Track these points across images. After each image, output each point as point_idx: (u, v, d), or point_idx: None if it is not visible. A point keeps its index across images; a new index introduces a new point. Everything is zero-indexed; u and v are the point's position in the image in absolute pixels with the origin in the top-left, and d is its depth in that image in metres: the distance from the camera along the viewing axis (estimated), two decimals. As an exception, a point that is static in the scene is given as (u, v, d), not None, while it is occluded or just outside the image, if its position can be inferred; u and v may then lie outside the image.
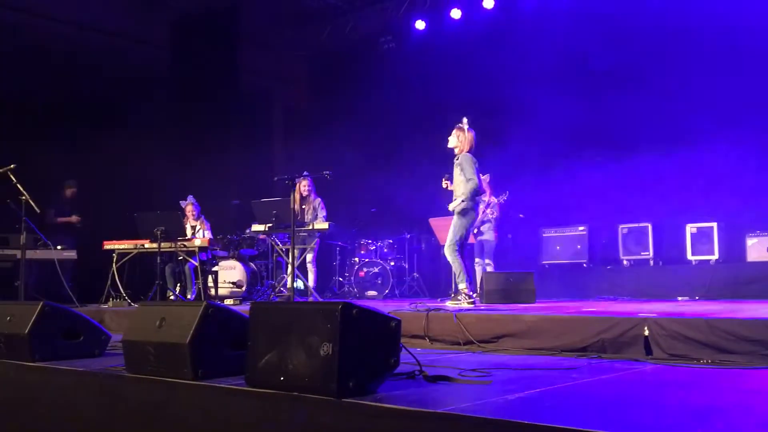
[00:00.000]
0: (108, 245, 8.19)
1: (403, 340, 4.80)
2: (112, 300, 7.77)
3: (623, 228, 8.93)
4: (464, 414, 2.39)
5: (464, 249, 6.44)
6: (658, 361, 3.73)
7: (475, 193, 6.31)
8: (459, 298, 6.12)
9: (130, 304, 7.62)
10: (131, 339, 3.48)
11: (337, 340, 2.71)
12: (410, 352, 3.24)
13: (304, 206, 8.34)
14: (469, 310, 5.51)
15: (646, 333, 3.93)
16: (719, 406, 2.50)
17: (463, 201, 6.24)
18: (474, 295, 6.40)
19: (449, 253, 6.30)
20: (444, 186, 6.57)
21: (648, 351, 3.92)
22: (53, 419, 3.57)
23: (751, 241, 8.00)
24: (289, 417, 2.76)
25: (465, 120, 6.53)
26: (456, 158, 6.43)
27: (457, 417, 2.39)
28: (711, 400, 2.65)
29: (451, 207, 6.36)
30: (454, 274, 6.35)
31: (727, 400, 2.64)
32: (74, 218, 9.12)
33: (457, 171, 6.35)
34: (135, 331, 3.50)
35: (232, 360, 3.25)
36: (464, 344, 4.63)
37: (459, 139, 6.42)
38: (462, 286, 6.22)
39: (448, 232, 6.38)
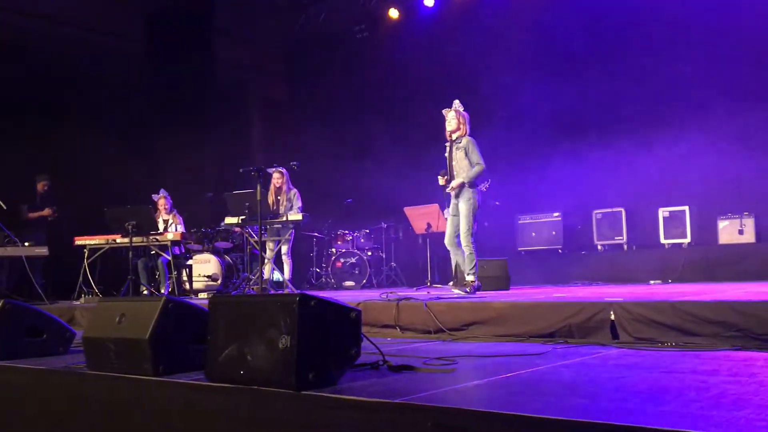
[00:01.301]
0: (79, 241, 8.10)
1: (374, 329, 4.86)
2: (84, 296, 7.69)
3: (597, 213, 8.98)
4: (424, 403, 2.38)
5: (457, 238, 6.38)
6: (623, 345, 3.74)
7: (482, 177, 6.31)
8: (466, 288, 6.08)
9: (101, 300, 7.52)
10: (91, 336, 3.43)
11: (296, 333, 2.69)
12: (373, 342, 3.22)
13: (279, 197, 8.29)
14: (438, 298, 5.50)
15: (612, 317, 3.95)
16: (676, 387, 2.51)
17: (463, 181, 6.18)
18: (449, 285, 6.40)
19: (466, 242, 6.17)
20: (442, 183, 6.42)
21: (614, 335, 3.93)
22: (14, 418, 3.52)
23: (722, 224, 8.08)
24: (249, 411, 2.74)
25: (457, 102, 6.48)
26: (457, 141, 6.33)
27: (416, 406, 2.37)
28: (669, 381, 2.66)
29: (453, 184, 6.24)
30: (462, 264, 6.30)
31: (685, 381, 2.65)
32: (47, 211, 9.00)
33: (460, 154, 6.27)
34: (95, 328, 3.46)
35: (194, 355, 3.22)
36: (435, 333, 4.62)
37: (460, 121, 6.36)
38: (471, 278, 6.18)
39: (460, 221, 6.23)
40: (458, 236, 6.30)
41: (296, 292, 7.44)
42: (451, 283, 7.04)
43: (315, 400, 2.58)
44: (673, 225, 8.37)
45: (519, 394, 2.58)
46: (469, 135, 6.37)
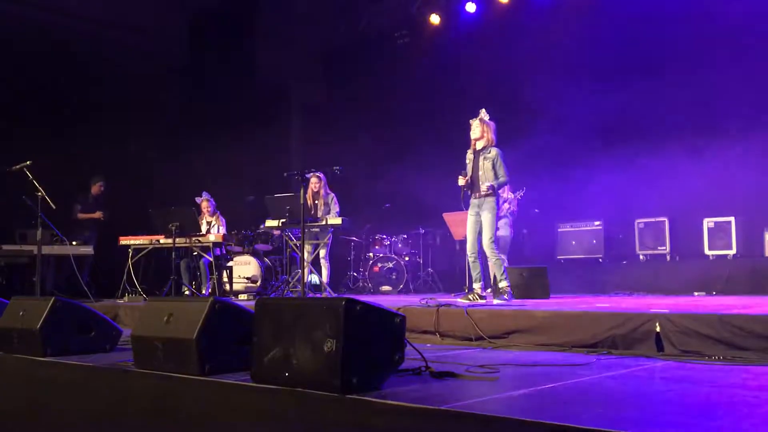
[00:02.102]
0: (124, 241, 8.27)
1: (413, 335, 4.86)
2: (128, 295, 7.84)
3: (639, 223, 8.84)
4: (467, 411, 2.37)
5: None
6: (669, 358, 3.68)
7: (501, 188, 6.37)
8: (471, 297, 6.10)
9: (145, 300, 7.68)
10: (140, 334, 3.50)
11: (341, 336, 2.71)
12: (416, 348, 3.22)
13: (316, 202, 8.36)
14: (480, 305, 5.48)
15: (658, 329, 3.89)
16: (726, 402, 2.46)
17: (493, 194, 6.23)
18: (487, 292, 6.38)
19: (490, 250, 6.22)
20: (461, 183, 6.45)
21: (659, 347, 3.87)
22: (63, 413, 3.60)
23: (769, 236, 7.88)
24: (294, 413, 2.76)
25: (483, 111, 6.49)
26: (485, 150, 6.36)
27: (459, 414, 2.37)
28: (719, 396, 2.61)
29: (483, 188, 6.26)
30: (482, 268, 6.34)
31: (736, 397, 2.60)
32: (98, 214, 9.18)
33: (487, 165, 6.30)
34: (143, 327, 3.52)
35: (239, 355, 3.26)
36: (475, 340, 4.60)
37: (483, 130, 6.38)
38: (504, 284, 6.20)
39: (483, 228, 6.28)
40: (478, 244, 6.35)
41: (335, 296, 7.47)
42: (489, 289, 7.01)
43: (359, 404, 2.60)
44: (717, 236, 8.20)
45: (565, 404, 2.56)
46: (496, 145, 6.36)
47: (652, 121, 8.88)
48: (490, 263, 6.34)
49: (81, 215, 9.17)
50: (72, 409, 3.58)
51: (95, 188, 9.31)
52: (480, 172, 6.34)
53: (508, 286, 6.24)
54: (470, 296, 6.13)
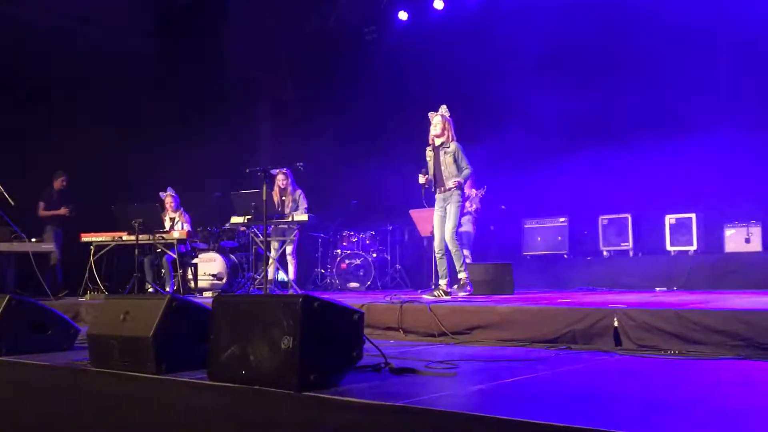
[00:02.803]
0: (86, 237, 8.13)
1: (377, 332, 4.86)
2: (90, 293, 7.71)
3: (603, 219, 8.95)
4: (424, 407, 2.38)
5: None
6: (626, 352, 3.73)
7: (468, 180, 6.49)
8: (436, 293, 6.13)
9: (107, 297, 7.56)
10: (96, 333, 3.45)
11: (298, 334, 2.70)
12: (374, 345, 3.22)
13: (283, 198, 8.31)
14: (444, 301, 5.50)
15: (616, 324, 3.94)
16: (678, 397, 2.50)
17: (458, 188, 6.29)
18: (453, 289, 6.40)
19: (452, 241, 6.29)
20: (422, 182, 6.48)
21: (617, 342, 3.93)
22: (17, 414, 3.53)
23: (729, 232, 8.04)
24: (251, 411, 2.75)
25: (444, 107, 6.54)
26: (445, 146, 6.40)
27: (417, 410, 2.38)
28: (670, 391, 2.66)
29: (450, 183, 6.30)
30: (448, 264, 6.38)
31: (687, 391, 2.64)
32: (63, 210, 9.01)
33: (449, 159, 6.35)
34: (100, 325, 3.47)
35: (197, 354, 3.22)
36: (438, 336, 4.62)
37: (445, 127, 6.43)
38: (462, 275, 6.27)
39: (447, 219, 6.34)
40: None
41: (300, 292, 7.44)
42: (455, 286, 7.04)
43: (316, 401, 2.59)
44: (679, 232, 8.34)
45: (520, 399, 2.58)
46: (455, 140, 6.41)
47: (617, 119, 8.99)
48: (452, 253, 6.38)
49: (44, 213, 8.99)
50: (26, 408, 3.51)
51: (58, 183, 9.13)
52: (442, 167, 6.39)
53: (467, 278, 6.30)
54: (436, 292, 6.16)
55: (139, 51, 11.14)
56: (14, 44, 9.57)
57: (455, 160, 6.34)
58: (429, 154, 6.55)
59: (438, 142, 6.46)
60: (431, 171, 6.50)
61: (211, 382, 2.92)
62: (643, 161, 8.65)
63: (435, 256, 6.56)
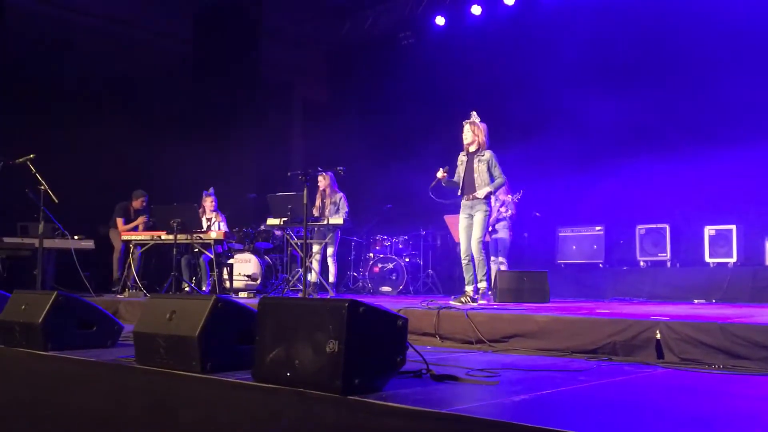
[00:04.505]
0: (125, 236, 8.28)
1: (413, 337, 4.87)
2: (128, 290, 7.84)
3: (641, 229, 8.84)
4: (468, 415, 2.38)
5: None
6: (669, 365, 3.69)
7: (499, 189, 6.49)
8: (462, 299, 6.12)
9: (145, 295, 7.69)
10: (142, 331, 3.51)
11: (343, 338, 2.72)
12: (417, 351, 3.23)
13: (324, 201, 8.38)
14: (481, 308, 5.49)
15: (658, 336, 3.89)
16: (725, 413, 2.47)
17: (490, 191, 6.31)
18: (477, 296, 6.38)
19: (478, 249, 6.29)
20: (440, 176, 6.44)
21: (659, 354, 3.88)
22: (65, 408, 3.61)
23: (770, 244, 7.89)
24: (294, 413, 2.77)
25: (474, 113, 6.53)
26: (478, 152, 6.39)
27: (460, 418, 2.38)
28: (717, 406, 2.62)
29: (480, 193, 6.29)
30: (474, 271, 6.35)
31: (734, 407, 2.60)
32: (140, 219, 8.93)
33: (482, 167, 6.34)
34: (146, 323, 3.53)
35: (241, 354, 3.27)
36: (475, 343, 4.61)
37: (475, 133, 6.43)
38: (483, 284, 6.25)
39: (474, 228, 6.33)
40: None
41: (335, 296, 7.46)
42: (489, 292, 7.02)
43: (360, 406, 2.61)
44: (718, 243, 8.20)
45: (564, 410, 2.57)
46: (489, 147, 6.39)
47: (656, 127, 8.89)
48: (476, 261, 6.36)
49: (123, 228, 8.81)
50: (74, 404, 3.58)
51: (137, 203, 9.05)
52: (475, 174, 6.37)
53: (487, 288, 6.28)
54: (462, 299, 6.16)
55: (176, 53, 11.32)
56: (58, 45, 9.78)
57: (488, 168, 6.32)
58: (462, 158, 6.55)
59: (471, 149, 6.45)
60: (460, 175, 6.50)
61: (255, 383, 2.95)
62: (682, 170, 8.53)
63: (462, 262, 6.52)
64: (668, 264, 8.61)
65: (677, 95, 8.69)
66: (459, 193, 6.50)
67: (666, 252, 8.60)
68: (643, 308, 5.82)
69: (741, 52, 8.33)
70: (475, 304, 6.03)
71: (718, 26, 8.51)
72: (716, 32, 8.54)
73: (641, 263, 8.81)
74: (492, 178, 6.34)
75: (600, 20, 9.42)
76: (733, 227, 8.12)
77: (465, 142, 6.50)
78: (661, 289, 8.19)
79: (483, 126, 6.50)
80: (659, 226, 8.69)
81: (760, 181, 8.03)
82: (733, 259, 8.08)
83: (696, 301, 7.58)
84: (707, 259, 8.26)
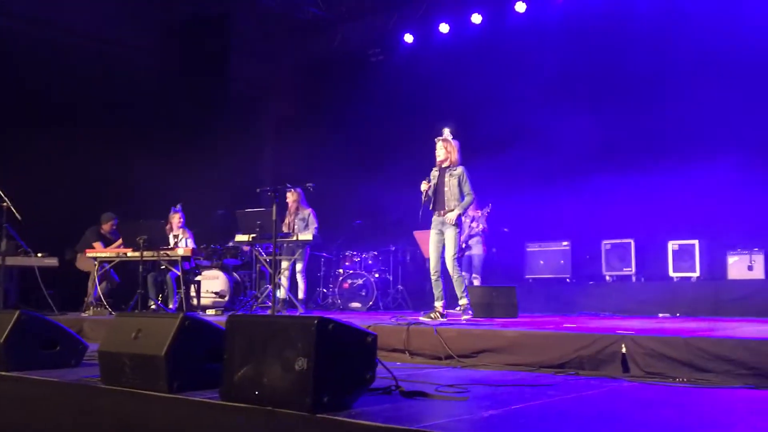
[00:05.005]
0: (90, 253, 8.14)
1: (382, 353, 4.86)
2: (93, 309, 7.70)
3: (606, 244, 8.97)
4: (438, 431, 2.39)
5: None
6: (634, 379, 3.74)
7: (467, 207, 6.48)
8: (432, 315, 6.13)
9: (110, 313, 7.56)
10: (107, 350, 3.45)
11: (313, 355, 2.71)
12: (386, 367, 3.23)
13: (293, 217, 8.36)
14: (450, 324, 5.51)
15: (624, 350, 3.95)
16: (690, 425, 2.51)
17: (460, 213, 6.33)
18: (459, 310, 6.40)
19: (453, 266, 6.28)
20: (424, 188, 6.42)
21: (625, 368, 3.94)
22: (27, 430, 3.53)
23: (732, 259, 8.06)
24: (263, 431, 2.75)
25: (447, 130, 6.57)
26: (450, 169, 6.42)
27: (430, 434, 2.39)
28: (682, 419, 2.67)
29: (450, 217, 6.30)
30: (442, 293, 6.36)
31: (699, 420, 2.65)
32: (117, 243, 8.62)
33: (453, 182, 6.36)
34: (111, 342, 3.48)
35: (210, 373, 3.23)
36: (444, 359, 4.63)
37: (447, 150, 6.46)
38: (465, 301, 6.24)
39: (446, 245, 6.33)
40: (442, 262, 6.39)
41: (304, 312, 7.40)
42: (457, 308, 7.04)
43: (330, 424, 2.60)
44: (682, 258, 8.36)
45: (534, 424, 2.59)
46: (461, 164, 6.44)
47: (620, 144, 9.04)
48: (453, 280, 6.38)
49: (103, 251, 8.64)
50: (36, 426, 3.50)
51: (107, 226, 8.85)
52: (446, 188, 6.39)
53: (468, 304, 6.30)
54: (432, 315, 6.16)
55: (144, 67, 11.21)
56: (20, 58, 9.62)
57: (459, 184, 6.36)
58: (434, 174, 6.55)
59: (445, 165, 6.49)
60: (433, 190, 6.50)
61: (223, 402, 2.92)
62: (646, 187, 8.69)
63: (431, 278, 6.53)
64: (633, 278, 8.75)
65: (640, 113, 8.87)
66: (431, 208, 6.51)
67: (631, 267, 8.74)
68: (609, 322, 5.91)
69: (701, 71, 8.54)
70: (444, 320, 6.04)
71: (680, 45, 8.73)
72: (678, 52, 8.76)
73: (607, 278, 8.94)
74: (462, 194, 6.37)
75: (564, 40, 9.59)
76: (696, 242, 8.29)
77: (438, 158, 6.51)
78: (626, 303, 8.31)
79: (455, 143, 6.53)
80: (624, 241, 8.83)
81: (722, 196, 8.21)
82: (696, 274, 8.24)
83: (660, 315, 7.71)
84: (671, 273, 8.41)
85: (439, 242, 6.42)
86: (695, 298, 7.92)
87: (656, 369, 3.80)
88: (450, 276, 6.42)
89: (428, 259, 9.44)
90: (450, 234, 6.31)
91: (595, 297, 8.70)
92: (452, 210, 6.32)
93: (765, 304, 7.35)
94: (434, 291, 6.45)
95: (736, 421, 2.64)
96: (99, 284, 8.13)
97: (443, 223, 6.38)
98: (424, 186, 6.44)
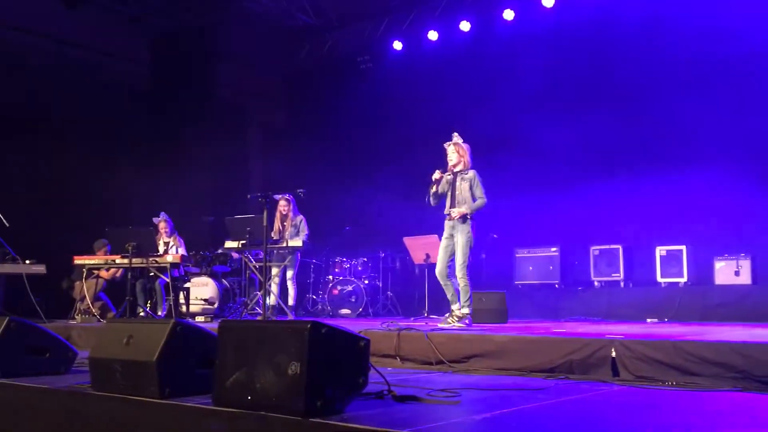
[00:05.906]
0: (78, 260, 8.10)
1: (374, 359, 4.84)
2: (81, 315, 7.66)
3: (595, 249, 9.03)
4: (430, 435, 2.40)
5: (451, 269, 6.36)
6: (624, 383, 3.77)
7: (478, 210, 6.33)
8: (450, 320, 6.09)
9: (99, 320, 7.52)
10: (98, 356, 3.44)
11: (305, 360, 2.71)
12: (379, 372, 3.24)
13: (284, 224, 8.35)
14: (441, 329, 5.52)
15: (613, 354, 3.98)
16: (681, 426, 2.54)
17: (467, 213, 6.20)
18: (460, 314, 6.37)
19: (462, 275, 6.15)
20: (436, 177, 6.33)
21: (615, 372, 3.96)
22: (15, 437, 3.51)
23: (719, 265, 8.13)
24: (256, 436, 2.75)
25: (456, 134, 6.53)
26: (463, 172, 6.36)
27: (422, 438, 2.40)
28: (672, 421, 2.69)
29: (455, 212, 6.22)
30: (455, 295, 6.24)
31: (688, 423, 2.68)
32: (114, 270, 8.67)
33: (465, 186, 6.29)
34: (102, 348, 3.46)
35: (201, 378, 3.23)
36: (435, 364, 4.64)
37: (460, 154, 6.41)
38: (466, 310, 6.16)
39: (456, 252, 6.21)
40: (450, 267, 6.30)
41: (295, 318, 7.39)
42: (447, 314, 7.04)
43: (322, 428, 2.60)
44: (670, 264, 8.42)
45: (524, 428, 2.61)
46: (473, 167, 6.42)
47: (608, 150, 9.10)
48: (451, 286, 6.32)
49: (106, 276, 8.65)
50: (25, 432, 3.48)
51: (101, 253, 8.82)
52: (457, 192, 6.32)
53: (470, 313, 6.21)
54: (449, 319, 6.11)
55: (132, 75, 11.19)
56: (11, 67, 9.58)
57: (471, 187, 6.28)
58: (447, 177, 6.45)
59: (457, 169, 6.44)
60: (447, 192, 6.40)
61: (215, 407, 2.92)
62: (634, 193, 8.76)
63: (440, 283, 6.43)
64: (622, 284, 8.79)
65: (629, 119, 8.94)
66: (445, 212, 6.43)
67: (619, 272, 8.79)
68: (599, 327, 5.94)
69: (690, 77, 8.62)
70: (463, 326, 5.98)
71: (668, 52, 8.82)
72: (665, 59, 8.84)
73: (596, 283, 8.99)
74: (474, 198, 6.29)
75: (552, 48, 9.67)
76: (684, 248, 8.35)
77: (450, 163, 6.42)
78: (615, 309, 8.36)
79: (466, 146, 6.47)
80: (612, 246, 8.89)
81: (709, 202, 8.29)
82: (684, 279, 8.30)
83: (649, 320, 7.76)
84: (659, 279, 8.47)
85: (448, 246, 6.30)
86: (683, 303, 7.98)
87: (646, 373, 3.83)
88: (445, 282, 6.34)
89: (417, 266, 9.52)
90: (460, 240, 6.20)
91: (584, 302, 8.74)
92: (461, 208, 6.22)
93: (751, 308, 7.42)
94: (447, 295, 6.32)
95: (723, 424, 2.67)
96: (87, 291, 8.08)
97: (454, 227, 6.29)
98: (436, 175, 6.36)
